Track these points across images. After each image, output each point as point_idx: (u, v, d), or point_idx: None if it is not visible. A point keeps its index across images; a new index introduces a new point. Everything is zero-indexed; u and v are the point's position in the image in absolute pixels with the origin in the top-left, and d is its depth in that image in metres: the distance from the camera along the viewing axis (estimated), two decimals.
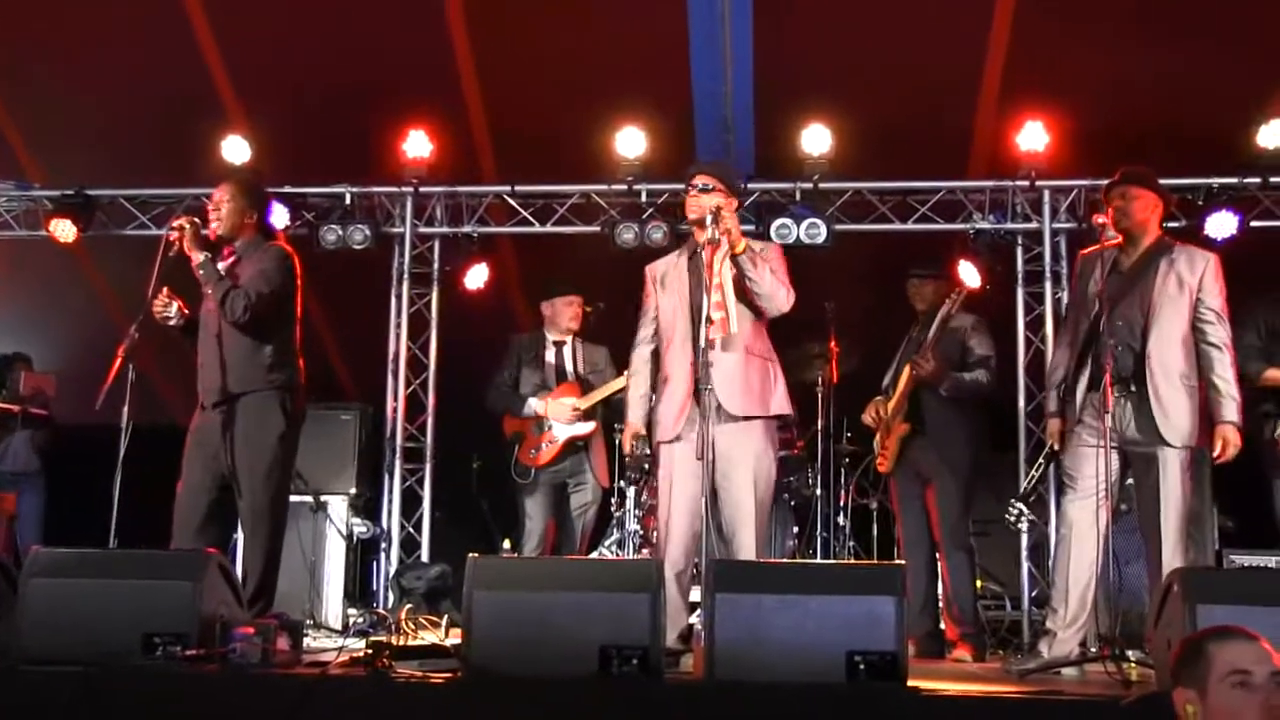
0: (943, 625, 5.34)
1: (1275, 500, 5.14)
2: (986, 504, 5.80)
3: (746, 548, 4.05)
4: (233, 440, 4.35)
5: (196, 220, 4.45)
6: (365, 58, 6.70)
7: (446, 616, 4.97)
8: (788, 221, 6.35)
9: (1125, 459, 4.21)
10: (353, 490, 6.52)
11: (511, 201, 6.85)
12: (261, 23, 6.66)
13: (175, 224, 4.44)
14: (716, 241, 4.05)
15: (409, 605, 5.25)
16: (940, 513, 5.21)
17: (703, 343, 3.90)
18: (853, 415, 5.98)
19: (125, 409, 4.40)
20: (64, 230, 6.75)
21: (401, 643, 4.02)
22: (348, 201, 6.77)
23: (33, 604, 3.40)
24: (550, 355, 5.86)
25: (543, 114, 6.81)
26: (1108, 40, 6.31)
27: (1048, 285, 6.43)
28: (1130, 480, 4.33)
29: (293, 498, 4.82)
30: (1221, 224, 6.11)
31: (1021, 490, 5.21)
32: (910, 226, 6.61)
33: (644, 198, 6.59)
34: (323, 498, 6.38)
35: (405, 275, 6.82)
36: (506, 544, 6.32)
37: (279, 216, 6.61)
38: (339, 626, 6.05)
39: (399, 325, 6.82)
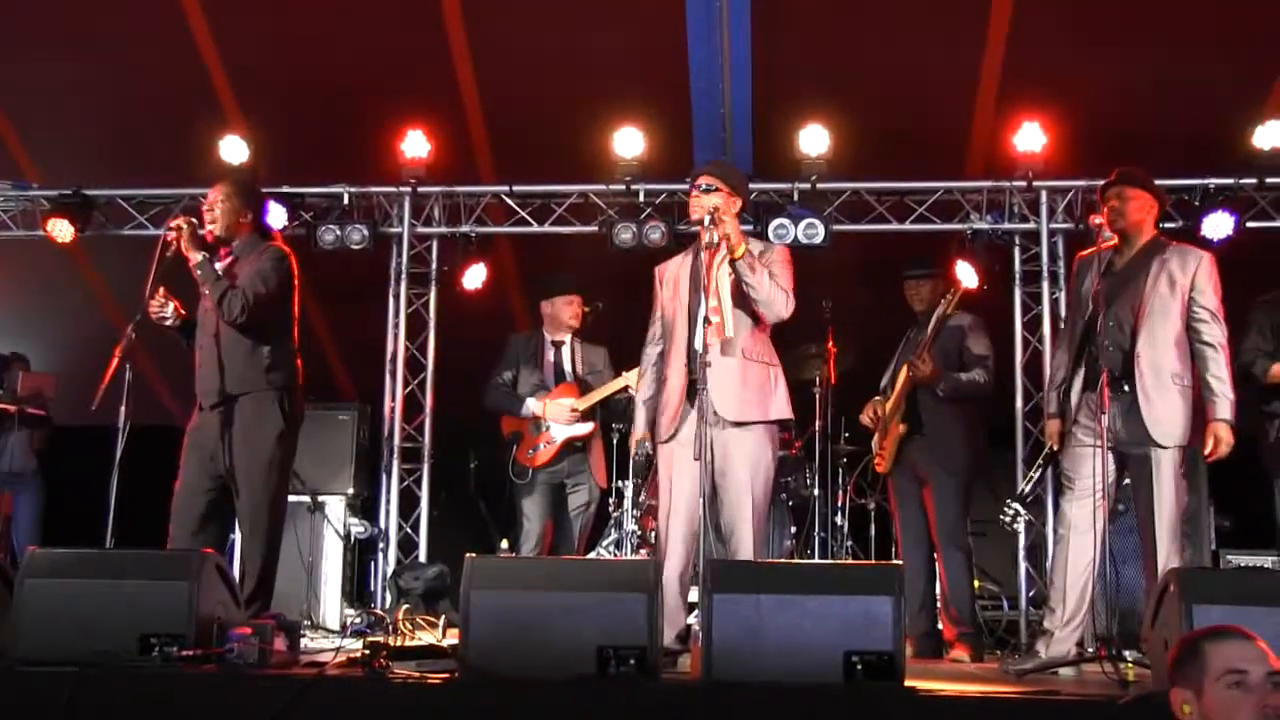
0: (940, 625, 5.34)
1: (1277, 500, 5.14)
2: (984, 504, 5.81)
3: (744, 548, 4.05)
4: (231, 441, 4.35)
5: (194, 221, 4.45)
6: (363, 58, 6.70)
7: (444, 617, 4.96)
8: (785, 222, 6.35)
9: (1122, 459, 4.21)
10: (350, 490, 6.52)
11: (509, 201, 6.85)
12: (259, 23, 6.66)
13: (172, 224, 4.44)
14: (715, 245, 4.05)
15: (406, 605, 5.25)
16: (938, 513, 5.22)
17: (698, 345, 3.90)
18: (850, 415, 5.98)
19: (122, 409, 4.41)
20: (61, 230, 6.74)
21: (399, 643, 4.01)
22: (345, 201, 6.78)
23: (29, 604, 3.39)
24: (549, 355, 5.85)
25: (540, 114, 6.81)
26: (1105, 41, 6.32)
27: (1045, 285, 6.43)
28: (1128, 480, 4.34)
29: (290, 498, 4.81)
30: (1218, 225, 6.12)
31: (1019, 491, 5.22)
32: (908, 227, 6.62)
33: (642, 198, 6.59)
34: (320, 498, 6.38)
35: (403, 275, 6.82)
36: (504, 544, 6.32)
37: (277, 216, 6.63)
38: (336, 627, 6.05)
39: (397, 325, 6.82)
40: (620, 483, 6.38)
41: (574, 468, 5.73)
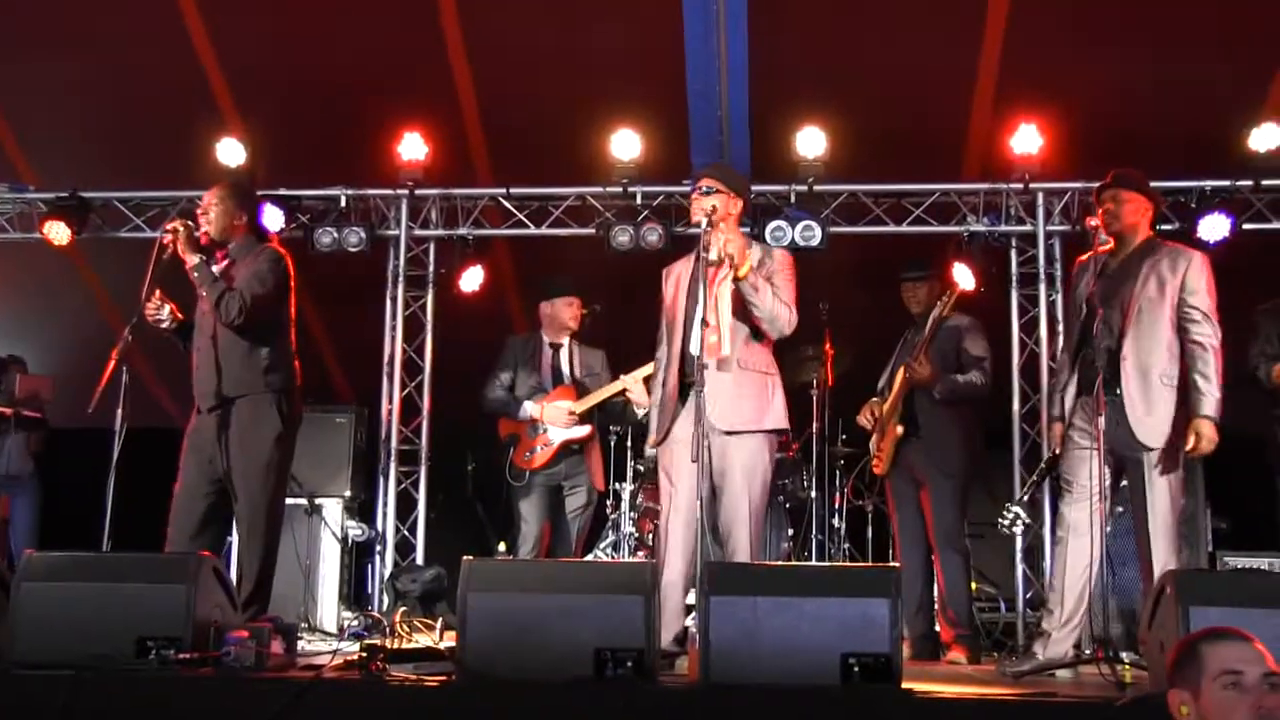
0: (937, 627, 5.34)
1: None
2: (981, 506, 5.81)
3: (742, 550, 4.06)
4: (228, 443, 4.34)
5: (190, 223, 4.45)
6: (360, 60, 6.70)
7: (441, 619, 4.96)
8: (782, 224, 6.36)
9: (1120, 461, 4.21)
10: (347, 493, 6.51)
11: (506, 204, 6.85)
12: (257, 25, 6.65)
13: (169, 227, 4.44)
14: (718, 263, 4.02)
15: (404, 608, 5.25)
16: (935, 515, 5.22)
17: (693, 350, 3.90)
18: (848, 417, 5.98)
19: (119, 412, 4.40)
20: (58, 233, 6.73)
21: (396, 646, 4.02)
22: (343, 204, 6.77)
23: (26, 607, 3.39)
24: (547, 357, 5.85)
25: (538, 116, 6.81)
26: (1101, 43, 6.33)
27: (1042, 287, 6.44)
28: (1125, 482, 4.34)
29: (287, 500, 4.81)
30: (1214, 227, 6.12)
31: (1018, 495, 5.22)
32: (905, 229, 6.62)
33: (639, 200, 6.59)
34: (317, 500, 6.37)
35: (400, 277, 6.81)
36: (501, 547, 6.32)
37: (274, 219, 6.62)
38: (334, 629, 6.04)
39: (394, 328, 6.81)
40: (618, 485, 6.38)
41: (571, 470, 5.73)
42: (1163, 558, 4.00)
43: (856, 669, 3.11)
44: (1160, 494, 4.04)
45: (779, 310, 4.12)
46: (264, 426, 4.37)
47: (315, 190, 6.83)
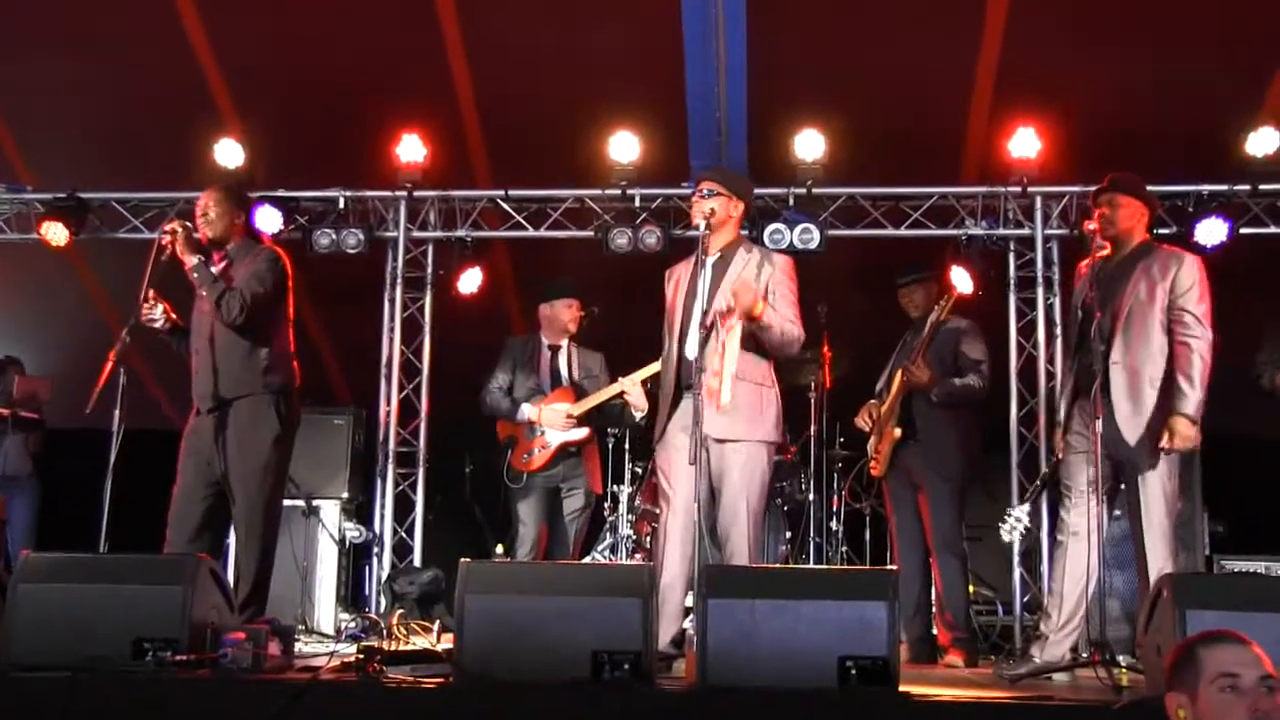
0: (935, 630, 5.34)
1: None
2: (979, 509, 5.81)
3: (739, 552, 4.06)
4: (226, 444, 4.34)
5: (189, 224, 4.45)
6: (359, 61, 6.70)
7: (439, 621, 4.97)
8: (781, 227, 6.37)
9: (1117, 465, 4.22)
10: (345, 495, 6.51)
11: (505, 206, 6.85)
12: (256, 26, 6.65)
13: (167, 228, 4.43)
14: (729, 311, 3.98)
15: (401, 610, 5.25)
16: (933, 518, 5.22)
17: (689, 354, 3.90)
18: (845, 420, 5.99)
19: (117, 413, 4.40)
20: (56, 233, 6.73)
21: (393, 648, 4.02)
22: (341, 205, 6.78)
23: (23, 608, 3.38)
24: (545, 359, 5.85)
25: (537, 118, 6.81)
26: (1099, 47, 6.33)
27: (1040, 291, 6.44)
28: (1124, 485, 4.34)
29: (285, 502, 4.81)
30: (1211, 231, 6.13)
31: (1018, 500, 5.22)
32: (903, 232, 6.63)
33: (637, 202, 6.59)
34: (315, 502, 6.37)
35: (399, 279, 6.82)
36: (499, 549, 6.31)
37: (273, 220, 6.62)
38: (331, 631, 6.04)
39: (392, 329, 6.82)
40: (615, 488, 6.38)
41: (569, 472, 5.73)
42: (1159, 561, 4.00)
43: (854, 672, 3.11)
44: (1155, 497, 4.04)
45: (789, 335, 4.13)
46: (262, 428, 4.37)
47: (314, 191, 6.83)
